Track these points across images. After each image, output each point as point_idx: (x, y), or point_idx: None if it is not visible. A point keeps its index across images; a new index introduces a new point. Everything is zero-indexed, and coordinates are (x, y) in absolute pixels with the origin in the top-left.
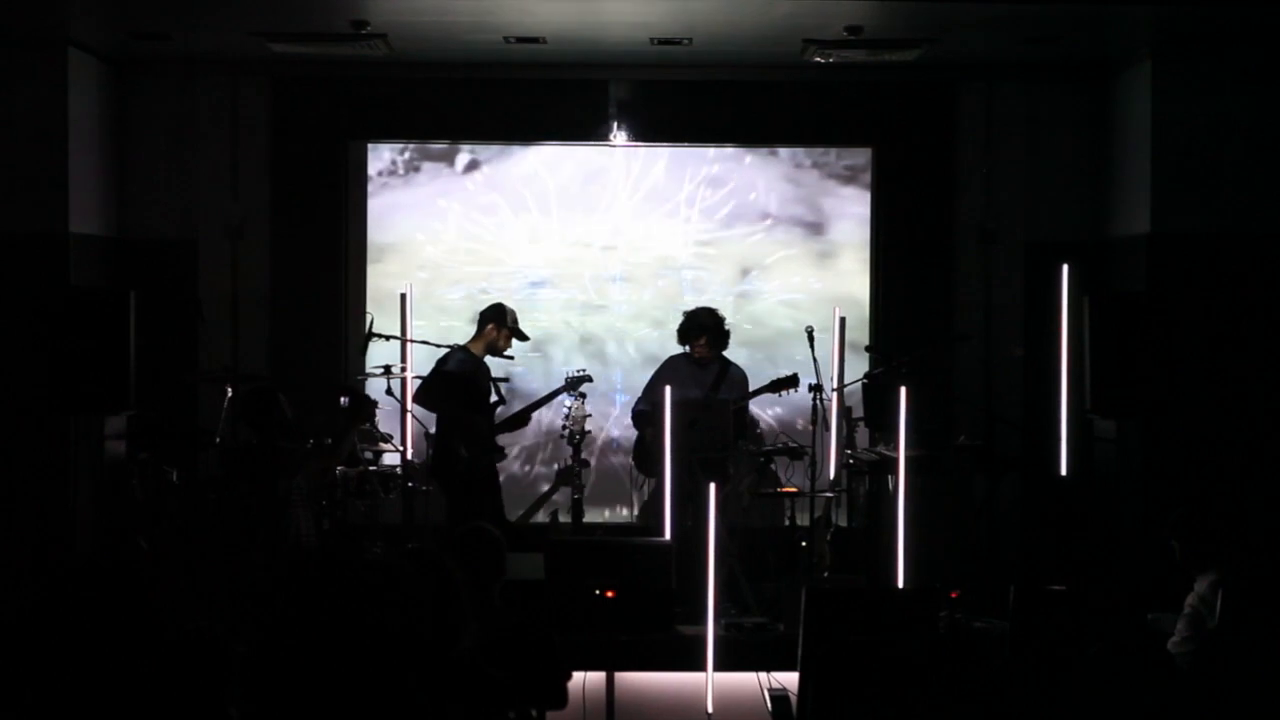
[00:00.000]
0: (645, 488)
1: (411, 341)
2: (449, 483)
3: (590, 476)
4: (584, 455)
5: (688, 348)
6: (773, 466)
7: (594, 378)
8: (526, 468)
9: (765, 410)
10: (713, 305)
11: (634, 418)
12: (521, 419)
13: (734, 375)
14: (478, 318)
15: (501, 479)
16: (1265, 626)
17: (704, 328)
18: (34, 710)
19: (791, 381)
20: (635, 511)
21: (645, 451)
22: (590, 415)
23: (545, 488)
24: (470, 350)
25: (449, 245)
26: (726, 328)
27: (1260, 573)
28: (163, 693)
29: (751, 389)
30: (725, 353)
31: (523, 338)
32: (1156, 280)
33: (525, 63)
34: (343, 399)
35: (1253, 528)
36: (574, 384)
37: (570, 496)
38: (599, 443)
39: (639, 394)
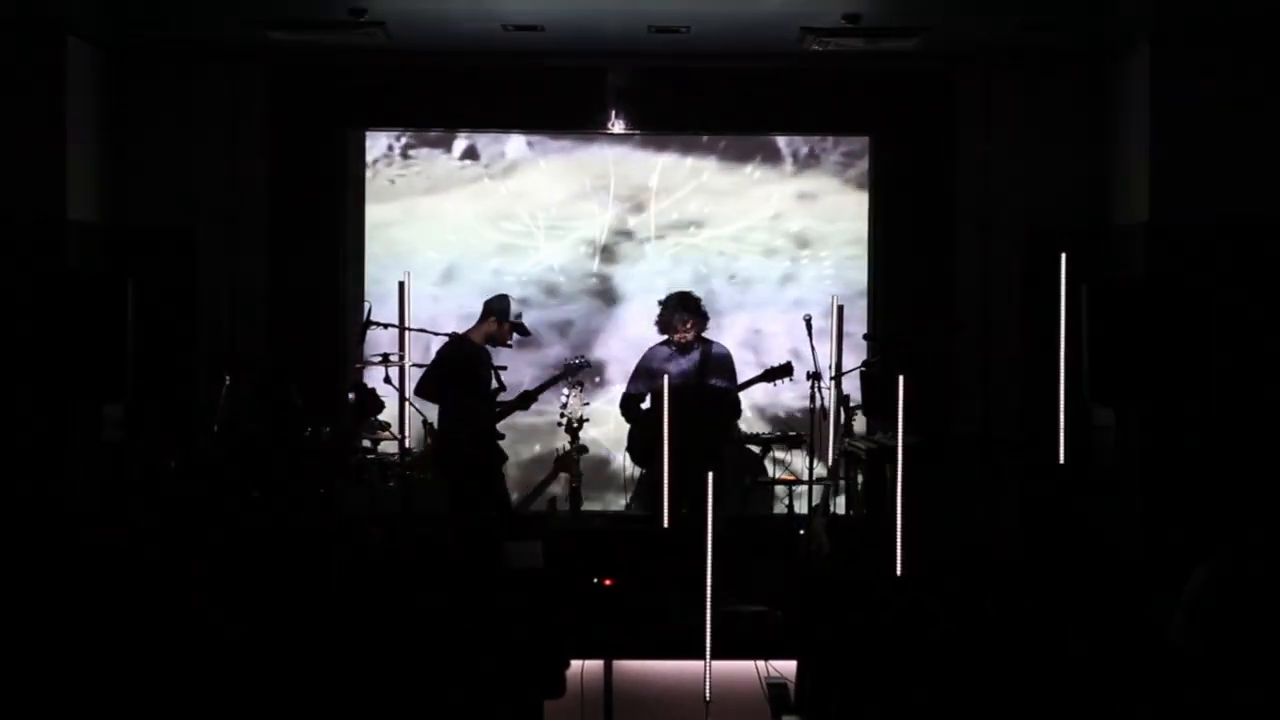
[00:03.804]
0: (635, 477)
1: (409, 330)
2: (453, 471)
3: (586, 464)
4: (582, 443)
5: (667, 336)
6: (758, 453)
7: (592, 364)
8: (524, 456)
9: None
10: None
11: (622, 404)
12: (522, 403)
13: (718, 356)
14: (482, 306)
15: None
16: (1265, 615)
17: (687, 309)
18: (34, 693)
19: (785, 370)
20: (628, 500)
21: (638, 441)
22: (589, 404)
23: (542, 476)
24: (470, 338)
25: (447, 234)
26: (704, 309)
27: (1260, 561)
28: (162, 675)
29: (745, 379)
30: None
31: (524, 333)
32: (1155, 268)
33: (523, 51)
34: (350, 394)
35: (1252, 515)
36: (572, 370)
37: (568, 485)
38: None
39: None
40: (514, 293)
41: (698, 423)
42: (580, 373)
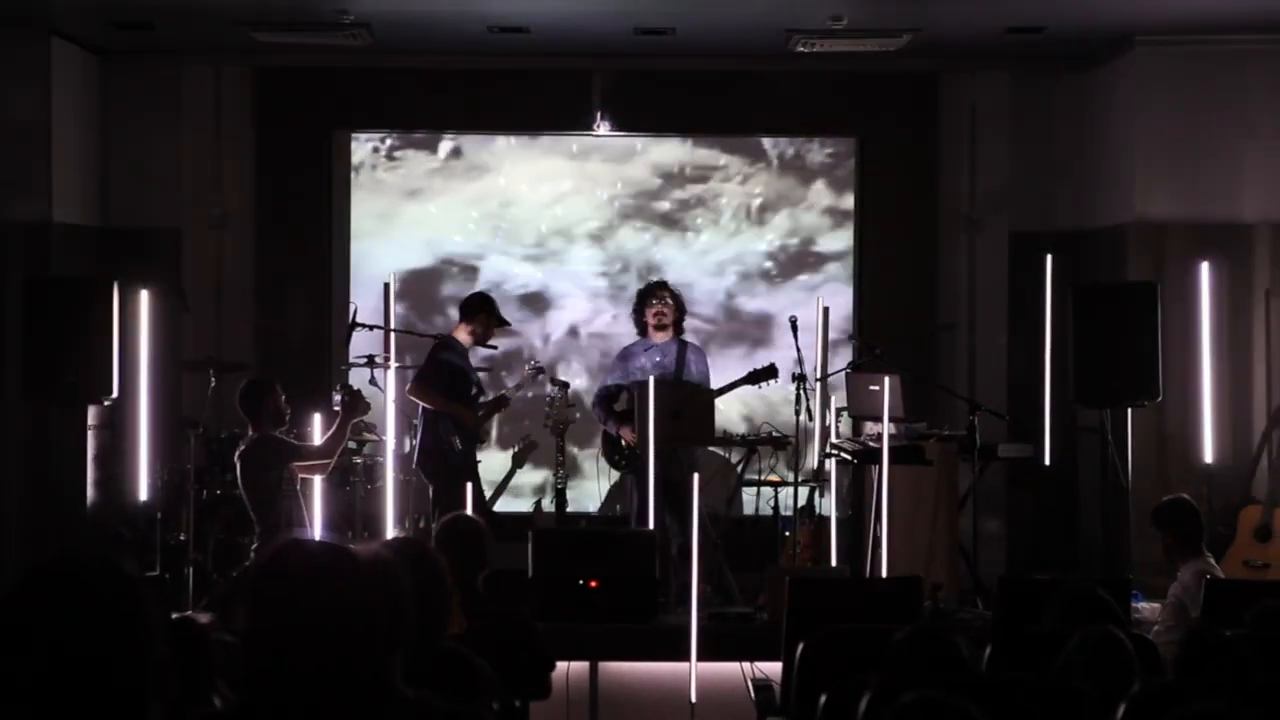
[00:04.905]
0: (608, 479)
1: (395, 331)
2: (439, 473)
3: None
4: (565, 444)
5: (641, 330)
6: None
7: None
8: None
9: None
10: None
11: (596, 402)
12: (497, 406)
13: (694, 353)
14: (461, 306)
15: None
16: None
17: (662, 287)
18: (14, 701)
19: (770, 373)
20: (599, 505)
21: (613, 443)
22: (574, 406)
23: (525, 478)
24: (457, 339)
25: (431, 235)
26: (680, 297)
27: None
28: (146, 682)
29: (729, 381)
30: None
31: (504, 324)
32: (1140, 270)
33: (509, 52)
34: (336, 395)
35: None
36: (533, 375)
37: (553, 486)
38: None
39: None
40: (496, 294)
41: (671, 422)
42: (539, 376)
